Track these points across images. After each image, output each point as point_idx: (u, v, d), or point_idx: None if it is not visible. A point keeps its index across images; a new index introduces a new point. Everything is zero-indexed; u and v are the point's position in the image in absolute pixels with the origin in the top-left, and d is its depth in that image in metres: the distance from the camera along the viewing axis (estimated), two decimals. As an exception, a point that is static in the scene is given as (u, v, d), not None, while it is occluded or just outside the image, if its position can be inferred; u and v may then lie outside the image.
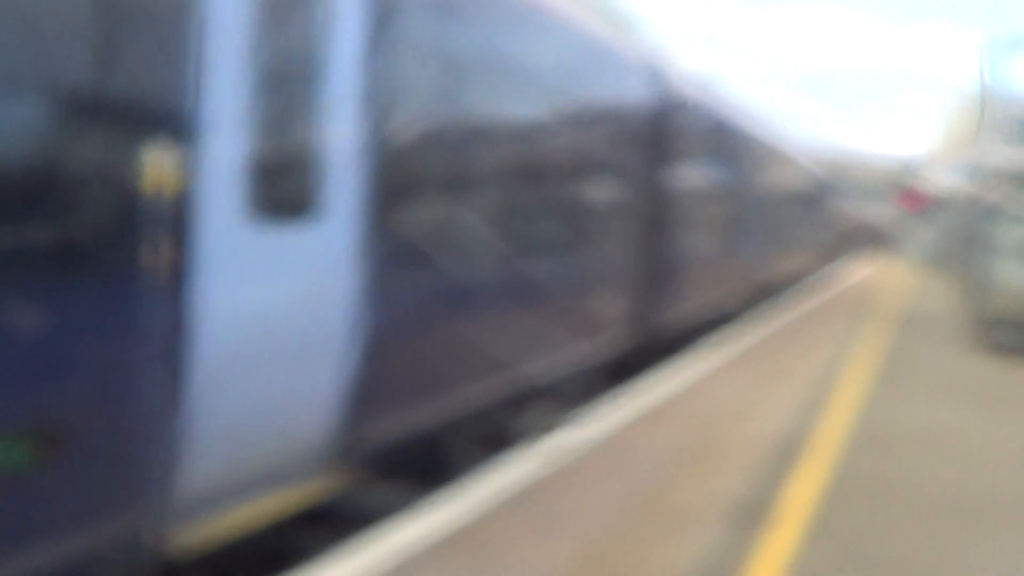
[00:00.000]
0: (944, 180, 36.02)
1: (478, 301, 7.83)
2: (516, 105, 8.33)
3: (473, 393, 7.71)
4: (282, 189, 5.27)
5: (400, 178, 6.36)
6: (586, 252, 10.13)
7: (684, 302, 14.37)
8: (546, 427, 8.57)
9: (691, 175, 14.62)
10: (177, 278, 4.53)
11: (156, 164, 4.37)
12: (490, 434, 8.20)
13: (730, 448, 8.23)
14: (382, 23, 6.04)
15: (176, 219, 4.49)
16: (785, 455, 8.04)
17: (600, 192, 10.43)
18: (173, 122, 4.52)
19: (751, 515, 6.43)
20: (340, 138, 5.69)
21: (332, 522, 6.10)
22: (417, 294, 6.77)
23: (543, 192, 8.93)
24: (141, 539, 4.61)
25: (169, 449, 4.64)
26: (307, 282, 5.53)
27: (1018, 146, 18.42)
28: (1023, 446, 9.26)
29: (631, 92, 11.34)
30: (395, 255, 6.30)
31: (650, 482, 7.08)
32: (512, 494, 6.44)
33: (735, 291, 18.93)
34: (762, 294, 21.80)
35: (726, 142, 17.19)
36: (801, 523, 6.33)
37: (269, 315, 5.22)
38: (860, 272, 36.61)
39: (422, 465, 7.10)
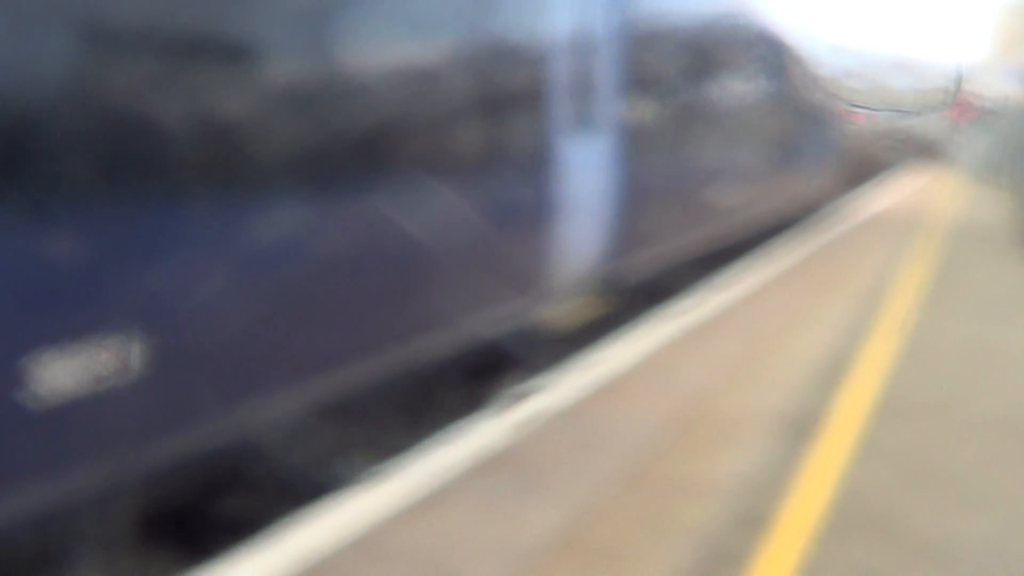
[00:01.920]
0: (996, 86, 35.26)
1: (694, 179, 12.43)
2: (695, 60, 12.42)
3: (694, 238, 12.51)
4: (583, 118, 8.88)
5: (638, 113, 10.43)
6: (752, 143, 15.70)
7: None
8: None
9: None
10: (552, 158, 8.33)
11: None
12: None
13: (778, 365, 8.07)
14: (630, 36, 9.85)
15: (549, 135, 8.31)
16: (833, 371, 7.88)
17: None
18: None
19: (799, 429, 6.30)
20: (606, 93, 9.38)
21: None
22: (654, 176, 10.76)
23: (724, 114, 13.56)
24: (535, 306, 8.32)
25: (550, 255, 8.36)
26: (596, 165, 9.19)
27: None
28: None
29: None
30: (640, 152, 10.14)
31: (697, 396, 6.96)
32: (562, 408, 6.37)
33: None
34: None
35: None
36: (850, 438, 6.19)
37: (582, 180, 8.82)
38: (911, 185, 36.03)
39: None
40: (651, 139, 10.90)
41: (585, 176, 8.87)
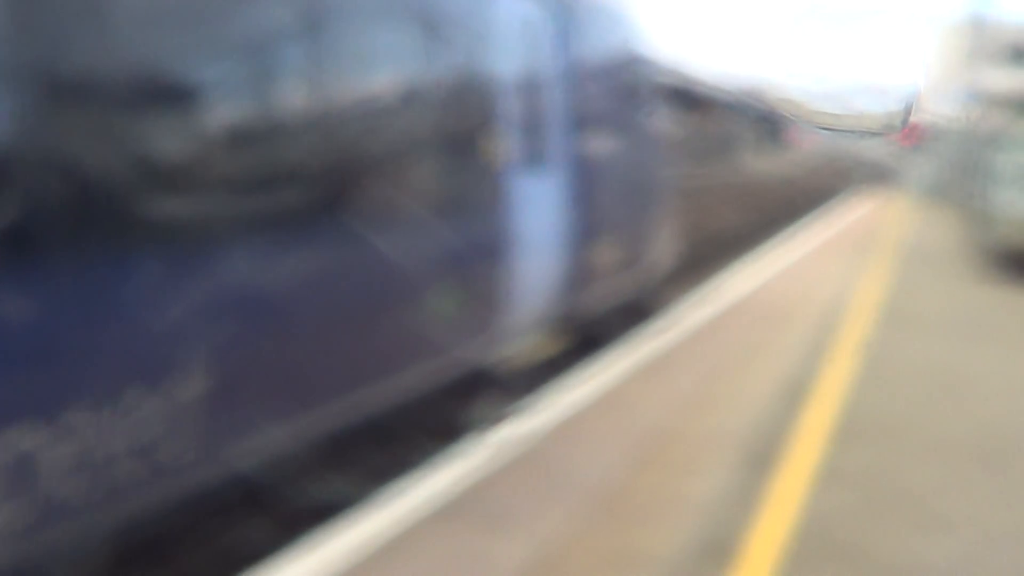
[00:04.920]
0: (942, 108, 35.76)
1: (633, 215, 11.26)
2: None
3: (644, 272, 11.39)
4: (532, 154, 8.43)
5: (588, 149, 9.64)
6: None
7: None
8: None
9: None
10: (503, 200, 7.86)
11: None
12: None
13: (737, 394, 8.08)
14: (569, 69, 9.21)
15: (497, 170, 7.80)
16: (792, 398, 7.89)
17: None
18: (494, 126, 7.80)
19: (760, 458, 6.30)
20: (555, 128, 8.88)
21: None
22: (607, 209, 10.11)
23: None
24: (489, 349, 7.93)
25: (503, 300, 7.90)
26: (545, 204, 8.69)
27: (1013, 70, 18.22)
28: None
29: None
30: (587, 188, 9.41)
31: (658, 428, 6.94)
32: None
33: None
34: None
35: None
36: (811, 464, 6.20)
37: (535, 216, 8.38)
38: (860, 209, 36.37)
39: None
40: (602, 174, 10.33)
41: (538, 212, 8.52)
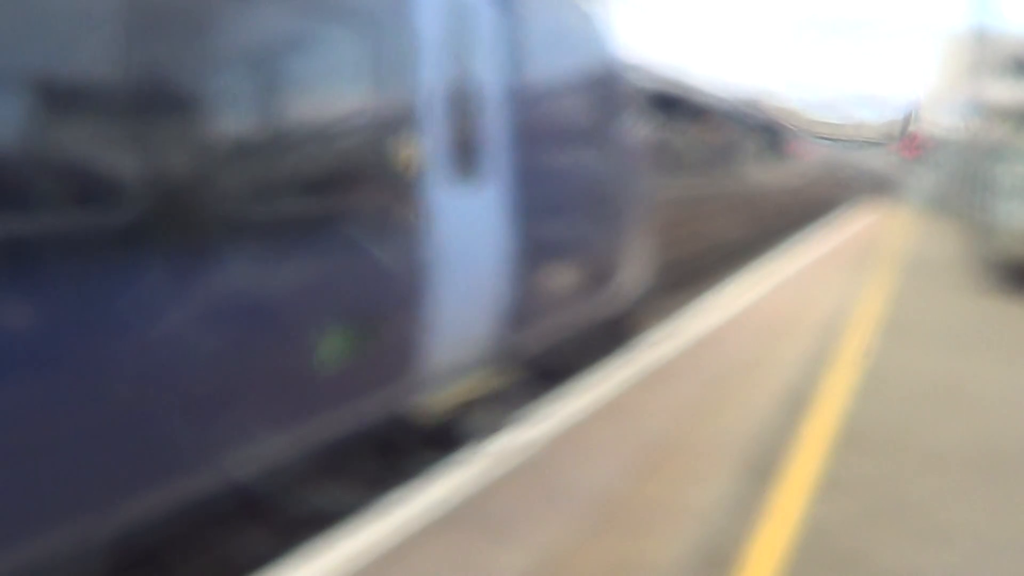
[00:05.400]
0: (944, 120, 35.78)
1: (593, 233, 9.89)
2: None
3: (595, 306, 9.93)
4: (464, 163, 7.28)
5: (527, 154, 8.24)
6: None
7: None
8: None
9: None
10: (417, 218, 6.61)
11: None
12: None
13: (738, 405, 8.08)
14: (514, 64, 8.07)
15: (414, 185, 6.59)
16: (794, 409, 7.89)
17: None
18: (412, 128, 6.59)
19: (762, 468, 6.30)
20: (496, 133, 7.74)
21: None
22: (553, 230, 8.83)
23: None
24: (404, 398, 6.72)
25: (419, 339, 6.66)
26: (478, 224, 7.47)
27: (1015, 82, 18.24)
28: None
29: None
30: (535, 203, 8.25)
31: (659, 437, 6.95)
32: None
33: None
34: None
35: None
36: (813, 475, 6.20)
37: (460, 241, 7.13)
38: (861, 221, 36.38)
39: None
40: (556, 187, 8.99)
41: (468, 233, 7.26)
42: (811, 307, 13.65)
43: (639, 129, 11.82)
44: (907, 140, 41.54)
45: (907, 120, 44.01)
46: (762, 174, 29.08)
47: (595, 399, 7.98)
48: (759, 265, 19.86)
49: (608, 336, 10.39)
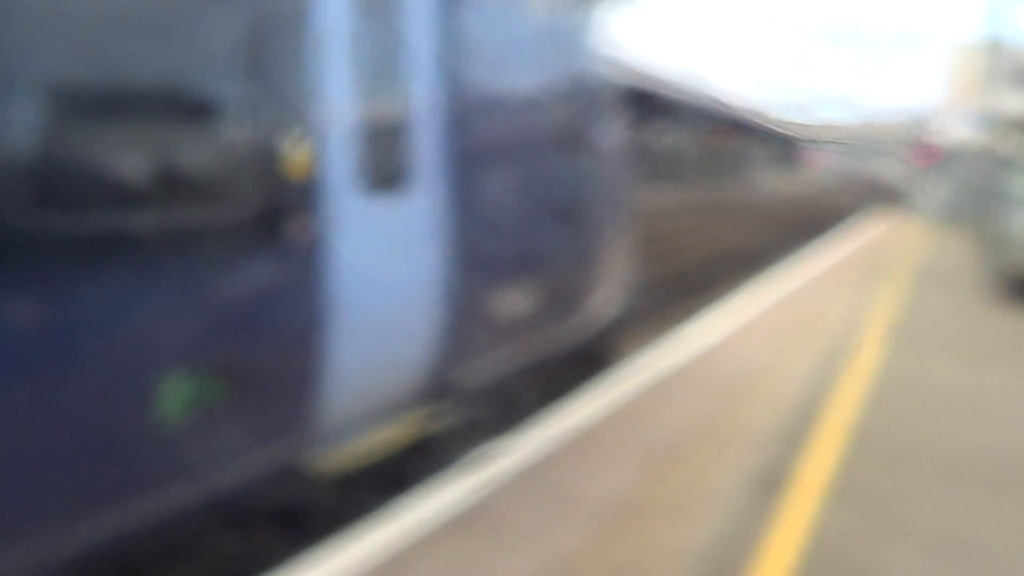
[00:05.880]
0: (954, 131, 35.69)
1: (558, 248, 8.41)
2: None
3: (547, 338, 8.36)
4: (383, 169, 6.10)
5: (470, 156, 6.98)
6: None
7: None
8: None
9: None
10: (313, 237, 5.38)
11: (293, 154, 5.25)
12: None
13: (746, 415, 8.05)
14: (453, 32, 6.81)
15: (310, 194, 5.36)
16: (803, 420, 7.86)
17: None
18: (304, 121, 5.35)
19: (770, 480, 6.28)
20: (427, 132, 6.53)
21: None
22: (502, 246, 7.47)
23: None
24: (292, 458, 5.50)
25: (314, 385, 5.42)
26: (402, 240, 6.31)
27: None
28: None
29: None
30: (474, 218, 6.95)
31: (666, 448, 6.93)
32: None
33: None
34: None
35: None
36: (821, 488, 6.18)
37: (376, 265, 6.00)
38: (872, 231, 36.30)
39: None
40: (509, 197, 7.66)
41: (385, 251, 6.11)
42: (821, 317, 13.60)
43: (622, 133, 10.55)
44: (920, 149, 41.45)
45: (922, 130, 43.91)
46: (772, 183, 29.07)
47: (604, 405, 7.96)
48: (768, 275, 19.81)
49: (582, 362, 9.23)
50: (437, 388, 6.76)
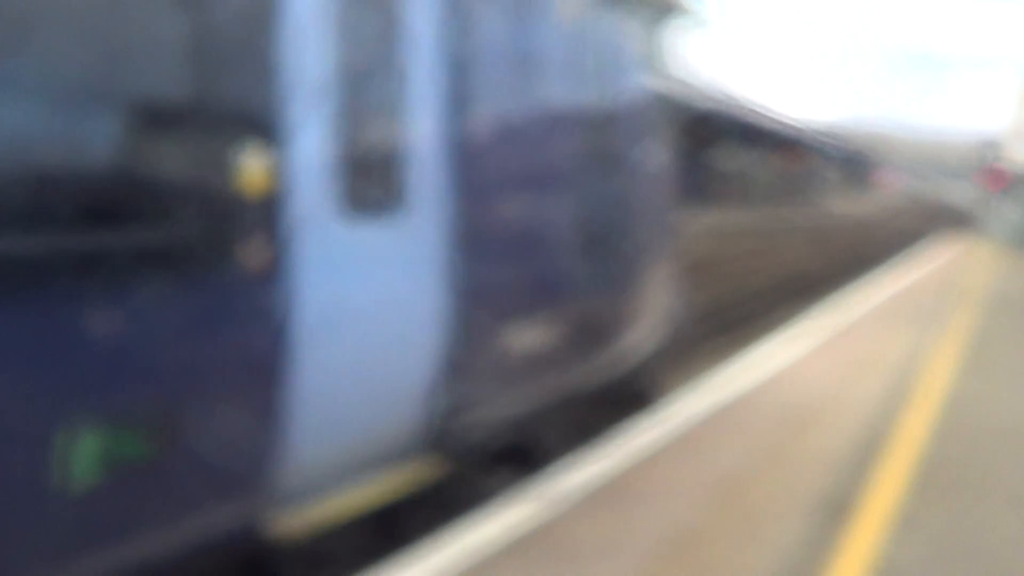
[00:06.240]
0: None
1: (569, 283, 7.57)
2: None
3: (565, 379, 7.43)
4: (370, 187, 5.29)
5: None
6: None
7: None
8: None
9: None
10: (273, 268, 4.56)
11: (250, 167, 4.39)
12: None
13: (814, 441, 8.00)
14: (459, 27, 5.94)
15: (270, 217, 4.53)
16: (870, 447, 7.80)
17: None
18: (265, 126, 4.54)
19: (836, 507, 6.23)
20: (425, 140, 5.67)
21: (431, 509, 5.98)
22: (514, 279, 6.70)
23: None
24: (250, 524, 4.68)
25: (275, 437, 4.64)
26: (395, 272, 5.52)
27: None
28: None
29: None
30: (483, 246, 6.17)
31: (732, 472, 6.91)
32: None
33: None
34: None
35: None
36: (888, 515, 6.12)
37: (357, 302, 5.21)
38: (943, 254, 35.85)
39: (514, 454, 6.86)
40: (523, 223, 6.88)
41: (380, 286, 5.37)
42: (891, 343, 13.47)
43: (668, 154, 9.78)
44: (990, 173, 40.86)
45: (990, 153, 43.30)
46: (843, 205, 28.80)
47: (667, 432, 7.94)
48: (838, 299, 19.65)
49: (615, 401, 8.42)
50: (435, 437, 5.96)
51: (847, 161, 29.54)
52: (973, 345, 13.32)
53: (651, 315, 8.83)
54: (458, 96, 5.90)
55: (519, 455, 6.89)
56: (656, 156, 9.14)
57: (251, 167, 4.35)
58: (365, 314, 5.25)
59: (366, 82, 5.19)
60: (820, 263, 25.55)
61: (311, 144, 4.78)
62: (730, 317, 16.73)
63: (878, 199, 37.98)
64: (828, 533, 5.81)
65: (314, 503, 5.10)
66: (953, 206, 55.13)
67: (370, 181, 5.26)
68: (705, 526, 5.91)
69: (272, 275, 4.56)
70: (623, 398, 8.53)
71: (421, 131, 5.61)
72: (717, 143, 18.98)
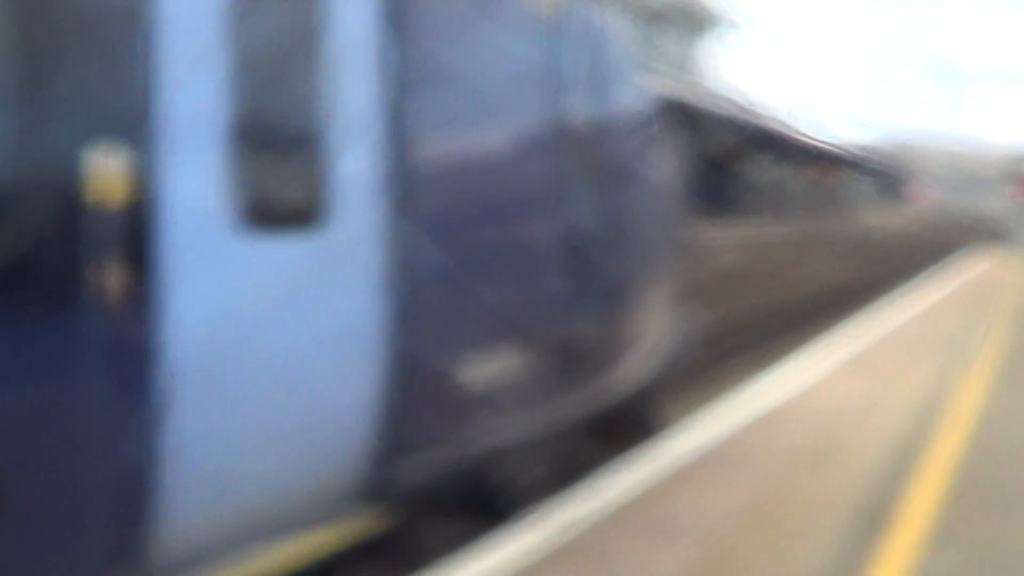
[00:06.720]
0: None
1: (547, 306, 6.65)
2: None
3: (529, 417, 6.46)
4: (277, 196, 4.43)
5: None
6: None
7: None
8: None
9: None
10: (138, 301, 3.67)
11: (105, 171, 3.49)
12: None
13: (850, 452, 8.05)
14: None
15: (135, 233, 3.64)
16: (906, 458, 7.84)
17: None
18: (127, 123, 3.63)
19: (872, 517, 6.29)
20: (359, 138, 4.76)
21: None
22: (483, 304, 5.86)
23: None
24: None
25: (139, 501, 3.78)
26: (317, 297, 4.60)
27: None
28: None
29: None
30: (424, 266, 5.21)
31: (768, 483, 6.98)
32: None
33: None
34: None
35: None
36: (924, 527, 6.18)
37: (263, 337, 4.32)
38: (976, 267, 35.63)
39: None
40: (476, 244, 5.92)
41: (286, 315, 4.42)
42: (925, 356, 13.47)
43: (675, 166, 9.11)
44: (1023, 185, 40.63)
45: (1022, 166, 43.06)
46: (876, 217, 28.71)
47: (705, 440, 8.00)
48: (872, 312, 19.62)
49: (616, 428, 7.80)
50: (373, 483, 5.11)
51: (879, 174, 29.45)
52: (1007, 357, 13.29)
53: (653, 338, 8.11)
54: (401, 90, 4.99)
55: (491, 497, 6.24)
56: (661, 168, 8.49)
57: (105, 171, 3.49)
58: (273, 346, 4.37)
59: (273, 70, 4.31)
60: (853, 275, 25.50)
61: (193, 143, 3.90)
62: (764, 330, 16.79)
63: (910, 212, 37.83)
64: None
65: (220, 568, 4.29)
66: (985, 218, 54.74)
67: (277, 190, 4.44)
68: (741, 534, 5.98)
69: (134, 304, 3.66)
70: (620, 428, 7.85)
71: (353, 129, 4.71)
72: (748, 155, 19.07)
